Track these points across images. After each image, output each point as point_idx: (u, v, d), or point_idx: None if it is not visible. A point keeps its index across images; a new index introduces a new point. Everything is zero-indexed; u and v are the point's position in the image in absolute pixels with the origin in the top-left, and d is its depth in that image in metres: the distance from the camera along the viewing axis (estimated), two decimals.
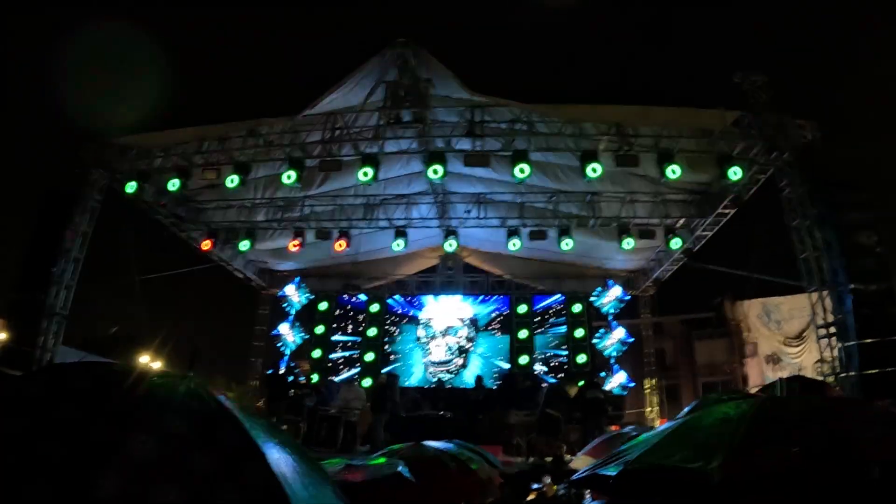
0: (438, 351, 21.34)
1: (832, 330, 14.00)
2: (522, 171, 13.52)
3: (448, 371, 21.05)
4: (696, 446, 2.76)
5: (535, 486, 8.38)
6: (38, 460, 2.30)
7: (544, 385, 18.46)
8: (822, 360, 14.46)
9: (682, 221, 16.44)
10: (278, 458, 2.60)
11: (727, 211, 15.80)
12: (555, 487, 8.06)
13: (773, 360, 24.69)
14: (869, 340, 13.23)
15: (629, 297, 20.51)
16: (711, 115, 13.35)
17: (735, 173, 13.25)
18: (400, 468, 5.10)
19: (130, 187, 15.31)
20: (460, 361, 21.12)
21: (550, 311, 21.45)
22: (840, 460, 2.23)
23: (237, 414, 2.69)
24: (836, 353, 13.88)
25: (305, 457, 3.11)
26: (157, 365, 27.66)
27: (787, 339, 23.80)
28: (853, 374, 13.15)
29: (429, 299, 22.20)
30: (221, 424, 2.60)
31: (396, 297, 22.54)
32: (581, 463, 7.77)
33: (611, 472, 3.04)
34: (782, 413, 2.80)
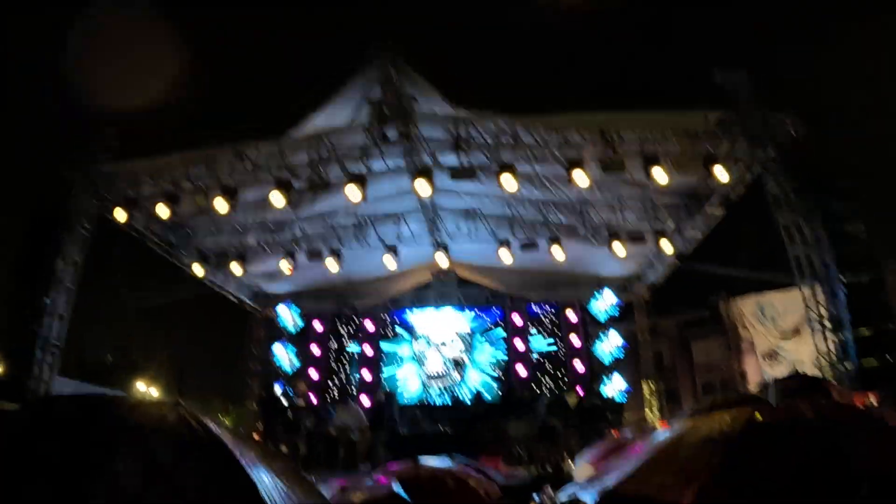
0: (435, 364, 21.33)
1: (827, 323, 14.09)
2: (510, 183, 13.56)
3: (445, 385, 21.04)
4: (675, 471, 2.67)
5: (536, 496, 8.35)
6: (26, 494, 2.30)
7: (542, 395, 18.49)
8: (819, 354, 14.54)
9: (672, 224, 16.45)
10: (270, 486, 2.59)
11: (717, 211, 15.82)
12: (556, 497, 8.03)
13: (771, 356, 24.73)
14: (863, 331, 13.34)
15: (623, 303, 20.56)
16: (694, 116, 13.38)
17: (722, 173, 13.28)
18: (395, 488, 5.09)
19: (119, 214, 15.28)
20: (457, 375, 21.10)
21: (545, 320, 21.49)
22: (830, 478, 2.20)
23: (227, 441, 2.67)
24: (831, 345, 13.97)
25: (300, 483, 3.10)
26: (153, 391, 27.61)
27: (783, 334, 23.86)
28: (850, 365, 13.23)
29: (423, 314, 22.19)
30: (210, 452, 2.59)
31: (391, 314, 22.52)
32: (582, 471, 7.77)
33: (588, 500, 2.96)
34: (770, 430, 2.70)
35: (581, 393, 18.97)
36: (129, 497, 2.33)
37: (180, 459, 2.56)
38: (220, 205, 14.64)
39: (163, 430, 2.71)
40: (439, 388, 20.98)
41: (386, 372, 21.64)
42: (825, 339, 14.16)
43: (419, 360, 21.53)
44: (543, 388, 20.43)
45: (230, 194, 14.77)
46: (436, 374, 21.21)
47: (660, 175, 13.22)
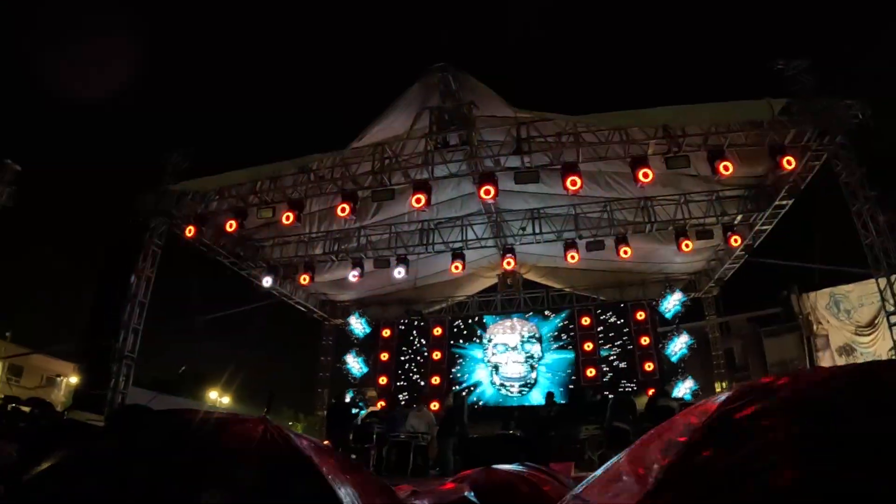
0: (510, 367, 21.33)
1: None
2: (574, 183, 13.49)
3: (519, 388, 21.01)
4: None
5: None
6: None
7: (611, 397, 18.30)
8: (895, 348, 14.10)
9: (739, 218, 16.13)
10: (357, 496, 2.58)
11: (785, 202, 15.44)
12: None
13: (846, 351, 24.02)
14: None
15: (692, 300, 20.24)
16: (758, 105, 13.10)
17: (789, 163, 12.99)
18: (466, 493, 5.07)
19: (189, 231, 15.76)
20: (532, 377, 21.06)
21: (614, 321, 21.28)
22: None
23: (314, 458, 2.66)
24: None
25: (381, 493, 3.09)
26: (225, 400, 28.22)
27: (859, 329, 23.13)
28: None
29: (491, 318, 22.24)
30: (297, 473, 2.58)
31: (460, 318, 22.62)
32: None
33: None
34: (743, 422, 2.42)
35: (651, 394, 18.73)
36: None
37: (267, 483, 2.56)
38: (287, 217, 14.96)
39: (249, 450, 2.70)
40: (511, 392, 20.96)
41: (455, 376, 21.72)
42: None
43: (490, 363, 21.55)
44: (613, 390, 20.24)
45: (296, 207, 15.07)
46: (511, 377, 21.20)
47: (725, 168, 13.00)
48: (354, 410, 16.77)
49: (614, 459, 2.39)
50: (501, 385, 21.14)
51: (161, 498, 2.35)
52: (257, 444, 2.67)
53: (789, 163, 12.97)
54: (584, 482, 2.52)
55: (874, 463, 1.74)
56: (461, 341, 22.28)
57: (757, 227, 16.49)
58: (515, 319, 22.00)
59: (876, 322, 20.44)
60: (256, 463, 2.56)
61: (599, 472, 2.51)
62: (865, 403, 1.95)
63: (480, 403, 20.84)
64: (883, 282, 14.02)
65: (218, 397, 28.49)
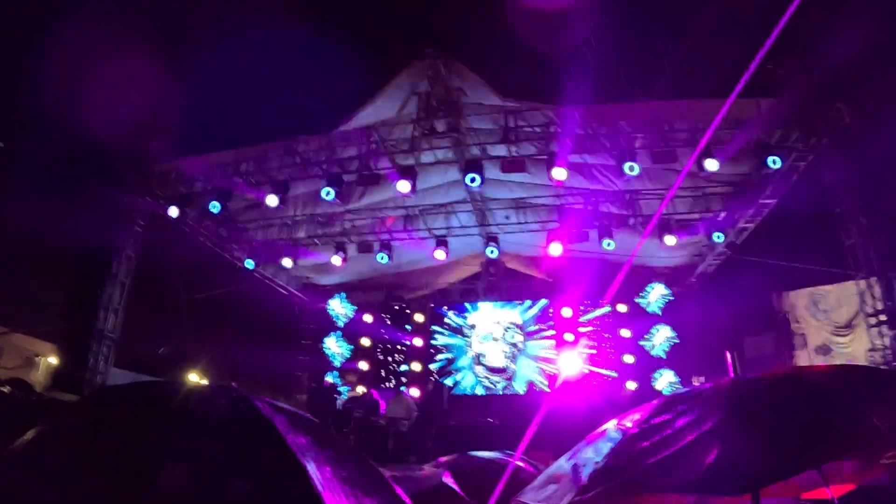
0: (493, 357, 21.36)
1: (882, 318, 13.74)
2: (559, 173, 13.49)
3: (501, 376, 21.06)
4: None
5: None
6: (76, 495, 2.32)
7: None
8: (873, 349, 14.20)
9: (723, 214, 16.21)
10: (329, 469, 2.54)
11: (769, 201, 15.54)
12: None
13: (823, 350, 24.15)
14: None
15: (674, 295, 20.32)
16: (746, 104, 13.15)
17: (774, 162, 13.05)
18: (443, 479, 5.07)
19: (172, 211, 15.62)
20: (514, 366, 21.12)
21: (595, 312, 21.34)
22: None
23: (280, 426, 2.61)
24: (886, 341, 13.62)
25: (362, 464, 3.05)
26: (205, 382, 28.09)
27: (837, 329, 23.28)
28: None
29: (473, 306, 22.25)
30: (261, 441, 2.54)
31: (441, 305, 22.63)
32: None
33: None
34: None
35: (633, 385, 18.86)
36: (174, 492, 2.30)
37: (230, 453, 2.52)
38: (271, 199, 14.87)
39: (213, 419, 2.65)
40: (493, 381, 21.01)
41: (436, 363, 21.74)
42: (881, 333, 13.82)
43: (470, 351, 21.59)
44: (594, 381, 20.34)
45: (280, 189, 14.99)
46: (494, 366, 21.25)
47: (711, 164, 13.03)
48: (337, 391, 16.78)
49: (558, 462, 2.48)
50: (483, 375, 21.18)
51: (124, 471, 2.33)
52: (222, 412, 2.64)
53: (774, 162, 13.03)
54: (527, 487, 2.60)
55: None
56: (442, 328, 22.29)
57: (740, 225, 16.58)
58: (497, 308, 22.03)
59: (854, 323, 20.55)
60: (220, 431, 2.52)
61: (542, 476, 2.59)
62: (781, 402, 2.15)
63: (460, 391, 20.89)
64: (863, 283, 14.14)
65: (198, 379, 28.32)
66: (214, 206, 15.31)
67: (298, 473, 2.39)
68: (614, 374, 20.30)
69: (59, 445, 2.57)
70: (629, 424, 2.54)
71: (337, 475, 2.62)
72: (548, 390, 19.85)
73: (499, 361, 21.27)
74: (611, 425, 2.57)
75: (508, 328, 21.67)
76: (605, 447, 2.56)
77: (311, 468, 2.46)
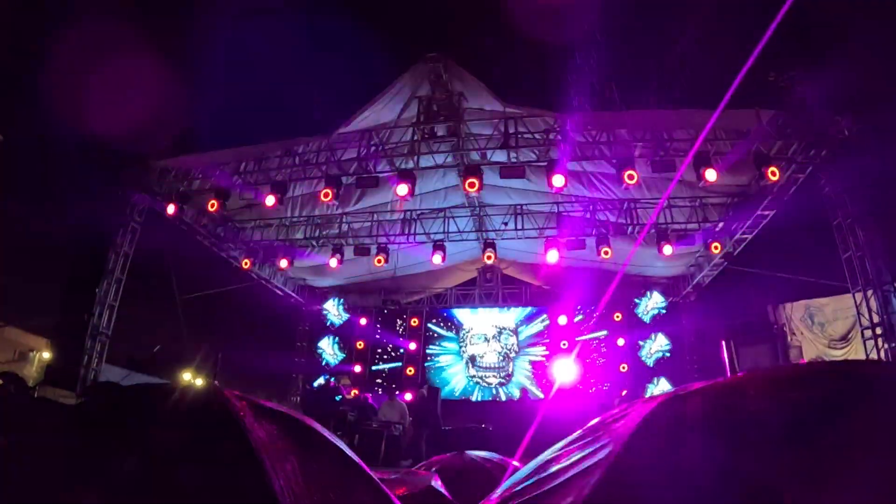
0: (487, 357, 21.41)
1: (878, 331, 13.74)
2: (558, 181, 13.49)
3: (495, 380, 21.08)
4: None
5: None
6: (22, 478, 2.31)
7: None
8: None
9: (720, 225, 16.22)
10: (295, 464, 2.49)
11: (767, 212, 15.55)
12: None
13: None
14: None
15: (670, 305, 20.34)
16: (746, 115, 13.16)
17: (773, 174, 13.03)
18: (433, 483, 5.04)
19: (170, 209, 15.59)
20: (509, 370, 21.15)
21: (590, 320, 21.36)
22: None
23: (246, 420, 2.56)
24: (882, 354, 13.61)
25: (339, 460, 2.97)
26: (198, 381, 28.07)
27: (832, 342, 23.29)
28: None
29: (469, 311, 22.29)
30: (222, 436, 2.51)
31: (437, 309, 22.65)
32: None
33: None
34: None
35: (626, 395, 18.83)
36: (124, 486, 2.28)
37: (188, 445, 2.49)
38: (269, 200, 14.86)
39: (172, 413, 2.64)
40: (487, 384, 21.02)
41: (430, 367, 21.75)
42: (876, 347, 13.82)
43: (465, 355, 21.60)
44: (589, 388, 20.35)
45: (279, 189, 14.98)
46: (486, 366, 21.27)
47: (709, 174, 13.03)
48: (331, 394, 16.72)
49: (551, 469, 2.31)
50: (478, 376, 21.20)
51: (80, 467, 2.33)
52: (183, 408, 2.61)
53: (773, 174, 13.01)
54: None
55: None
56: (438, 333, 22.31)
57: (738, 236, 16.59)
58: (493, 312, 22.05)
59: (849, 336, 20.58)
60: (175, 426, 2.50)
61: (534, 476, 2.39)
62: (774, 404, 1.90)
63: (454, 395, 20.89)
64: (860, 296, 14.14)
65: (192, 378, 28.29)
66: (212, 205, 15.27)
67: (254, 468, 2.35)
68: (608, 385, 20.33)
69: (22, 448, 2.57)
70: (560, 446, 2.39)
71: (305, 469, 2.56)
72: (542, 397, 19.86)
73: (492, 361, 21.33)
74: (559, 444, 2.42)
75: (502, 331, 21.71)
76: (533, 464, 2.43)
77: (271, 463, 2.42)
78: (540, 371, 21.04)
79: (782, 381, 2.13)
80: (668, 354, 19.62)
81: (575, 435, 2.36)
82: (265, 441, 2.50)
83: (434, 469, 6.13)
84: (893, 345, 13.32)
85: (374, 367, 22.19)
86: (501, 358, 21.34)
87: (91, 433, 2.51)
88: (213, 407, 2.64)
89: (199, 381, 28.21)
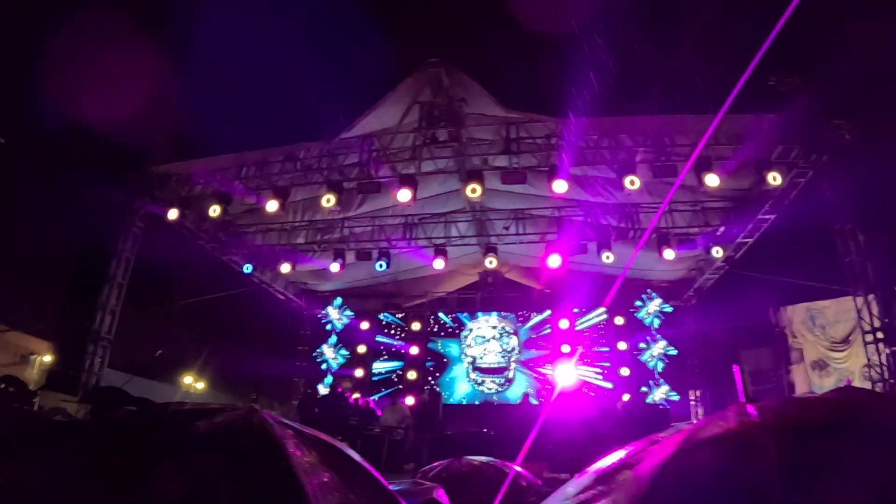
0: (487, 357, 21.44)
1: (879, 335, 13.76)
2: (560, 185, 13.51)
3: (497, 383, 21.09)
4: None
5: None
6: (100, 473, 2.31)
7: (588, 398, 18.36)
8: (869, 366, 14.21)
9: (722, 229, 16.24)
10: (335, 490, 2.50)
11: (768, 216, 15.57)
12: None
13: (819, 365, 24.19)
14: None
15: (671, 308, 20.36)
16: (747, 120, 13.19)
17: (774, 178, 13.05)
18: (435, 494, 5.02)
19: (172, 214, 15.59)
20: (510, 373, 21.16)
21: (592, 324, 21.38)
22: None
23: (285, 444, 2.57)
24: (883, 358, 13.63)
25: (373, 486, 2.97)
26: (199, 385, 28.09)
27: (833, 345, 23.30)
28: None
29: (471, 315, 22.30)
30: (263, 459, 2.51)
31: (439, 314, 22.67)
32: None
33: None
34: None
35: (628, 399, 18.82)
36: None
37: (229, 469, 2.49)
38: (271, 205, 14.87)
39: (218, 437, 2.63)
40: (494, 386, 21.04)
41: (432, 372, 21.76)
42: (878, 350, 13.84)
43: (467, 357, 21.61)
44: (590, 393, 20.36)
45: (281, 194, 15.00)
46: (487, 367, 21.30)
47: (711, 179, 13.06)
48: (333, 399, 16.72)
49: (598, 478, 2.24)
50: (479, 380, 21.21)
51: (119, 483, 2.32)
52: (225, 430, 2.61)
53: (774, 178, 13.04)
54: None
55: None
56: (439, 337, 22.33)
57: (739, 240, 16.61)
58: (494, 316, 22.07)
59: (850, 339, 20.60)
60: (219, 449, 2.50)
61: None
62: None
63: (456, 400, 20.90)
64: (860, 300, 14.16)
65: (193, 382, 28.32)
66: (214, 210, 15.27)
67: (296, 493, 2.35)
68: (610, 386, 20.35)
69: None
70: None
71: (344, 498, 2.57)
72: (542, 401, 19.86)
73: (494, 360, 21.34)
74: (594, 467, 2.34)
75: (503, 333, 21.73)
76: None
77: (312, 488, 2.41)
78: (541, 375, 21.05)
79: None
80: (667, 360, 19.63)
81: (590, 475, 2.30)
82: (310, 467, 2.50)
83: (431, 474, 6.17)
84: (894, 348, 13.35)
85: (374, 372, 22.19)
86: (502, 359, 21.35)
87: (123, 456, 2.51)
88: (253, 429, 2.63)
89: (200, 386, 28.22)
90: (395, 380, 21.98)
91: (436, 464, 6.88)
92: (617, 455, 2.30)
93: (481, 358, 21.51)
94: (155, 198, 16.17)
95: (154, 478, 2.32)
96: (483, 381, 21.21)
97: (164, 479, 2.31)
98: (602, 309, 21.10)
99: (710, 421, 2.13)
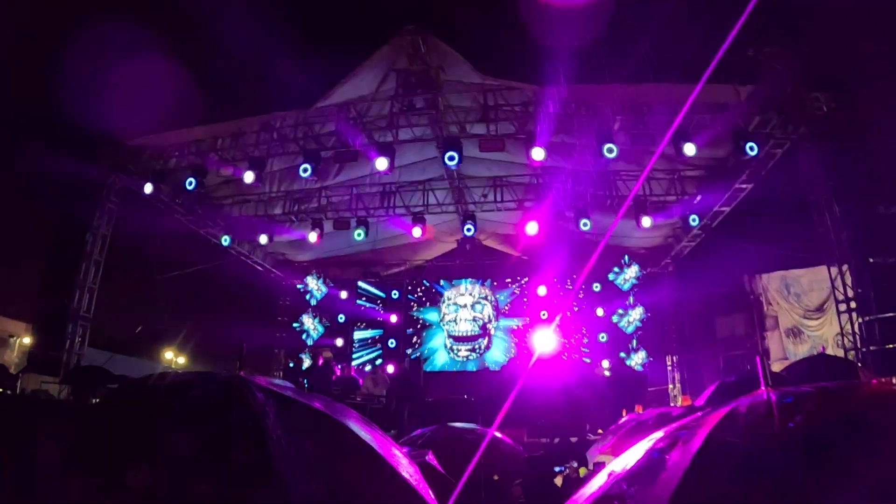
0: (460, 325, 21.49)
1: (853, 304, 13.95)
2: (537, 153, 13.50)
3: (473, 349, 21.20)
4: None
5: (559, 468, 8.40)
6: (82, 454, 2.35)
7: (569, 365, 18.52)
8: (842, 334, 14.42)
9: (699, 198, 16.32)
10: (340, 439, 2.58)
11: (744, 186, 15.66)
12: (582, 470, 8.04)
13: (794, 333, 24.51)
14: (890, 314, 13.15)
15: (648, 275, 20.52)
16: (725, 90, 13.22)
17: (752, 148, 13.11)
18: (427, 458, 5.14)
19: (147, 188, 15.41)
20: (484, 342, 21.26)
21: (570, 290, 21.49)
22: None
23: (275, 409, 2.61)
24: (856, 327, 13.82)
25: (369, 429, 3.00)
26: (180, 360, 28.01)
27: (807, 312, 23.61)
28: (874, 348, 13.10)
29: (449, 282, 22.36)
30: (260, 422, 2.55)
31: (417, 282, 22.72)
32: (599, 461, 7.58)
33: None
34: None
35: (606, 364, 19.02)
36: (179, 462, 2.33)
37: (232, 431, 2.55)
38: (248, 176, 14.75)
39: (218, 402, 2.68)
40: (466, 354, 21.13)
41: (412, 340, 21.85)
42: (851, 319, 14.03)
43: (446, 325, 21.69)
44: (569, 357, 20.54)
45: (257, 165, 14.87)
46: (459, 335, 21.37)
47: (689, 148, 13.10)
48: (314, 369, 16.74)
49: (644, 455, 2.26)
50: (453, 347, 21.32)
51: (128, 437, 2.37)
52: (227, 397, 2.65)
53: (752, 149, 13.09)
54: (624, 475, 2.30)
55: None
56: (418, 305, 22.40)
57: (716, 208, 16.71)
58: (471, 283, 22.13)
59: (824, 307, 20.89)
60: (225, 412, 2.54)
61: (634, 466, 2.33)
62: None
63: (436, 367, 21.02)
64: (834, 270, 14.34)
65: (174, 357, 28.23)
66: (190, 183, 15.10)
67: (270, 477, 2.38)
68: (587, 352, 20.55)
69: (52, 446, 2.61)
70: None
71: (328, 472, 2.62)
72: (520, 367, 19.99)
73: (466, 329, 21.40)
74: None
75: (479, 301, 21.80)
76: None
77: (287, 469, 2.44)
78: (519, 341, 21.19)
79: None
80: (645, 322, 19.82)
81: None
82: (286, 447, 2.53)
83: (420, 442, 6.26)
84: (867, 318, 13.53)
85: (355, 341, 22.24)
86: (475, 327, 21.43)
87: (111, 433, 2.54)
88: (236, 404, 2.66)
89: (181, 361, 28.11)
90: (376, 348, 22.04)
91: (420, 431, 6.97)
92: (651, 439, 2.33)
93: (455, 325, 21.58)
94: (129, 172, 15.97)
95: (127, 461, 2.37)
96: (458, 350, 21.31)
97: (135, 464, 2.36)
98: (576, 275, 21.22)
99: (738, 406, 2.18)
